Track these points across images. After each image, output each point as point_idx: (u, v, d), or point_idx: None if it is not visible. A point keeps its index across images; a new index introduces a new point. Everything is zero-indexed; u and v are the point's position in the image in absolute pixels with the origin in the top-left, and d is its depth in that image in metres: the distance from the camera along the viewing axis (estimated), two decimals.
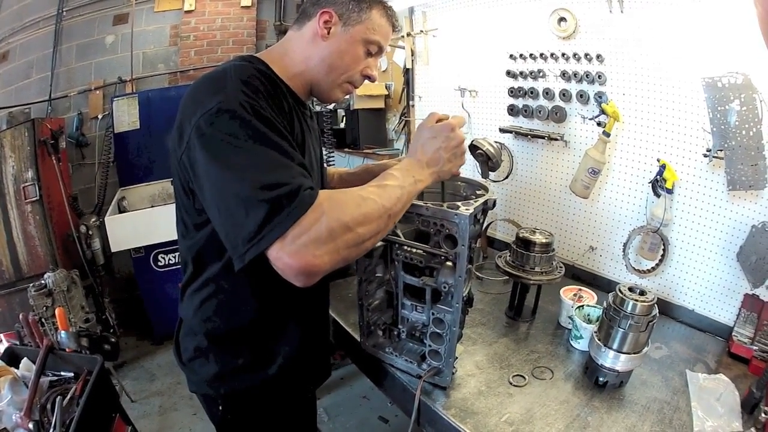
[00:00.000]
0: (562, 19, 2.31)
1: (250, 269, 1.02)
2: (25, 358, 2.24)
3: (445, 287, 1.29)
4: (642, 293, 1.39)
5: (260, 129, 1.06)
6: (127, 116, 4.66)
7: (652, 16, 2.01)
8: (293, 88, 1.41)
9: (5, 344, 2.37)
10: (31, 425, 1.81)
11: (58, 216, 4.42)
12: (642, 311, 1.36)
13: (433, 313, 1.35)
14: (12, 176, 4.21)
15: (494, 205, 1.45)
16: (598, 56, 2.21)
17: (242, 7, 5.71)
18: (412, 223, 1.30)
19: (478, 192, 1.52)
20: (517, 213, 2.74)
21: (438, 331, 1.36)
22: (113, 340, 2.70)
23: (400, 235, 1.35)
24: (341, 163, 4.58)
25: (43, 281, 3.19)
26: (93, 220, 4.20)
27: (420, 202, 1.26)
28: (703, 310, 1.98)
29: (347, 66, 1.43)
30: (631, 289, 1.42)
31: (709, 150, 1.82)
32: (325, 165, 1.66)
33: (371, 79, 1.49)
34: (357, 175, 1.87)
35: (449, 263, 1.28)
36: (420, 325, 1.46)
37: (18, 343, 2.65)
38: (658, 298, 1.54)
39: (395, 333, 1.54)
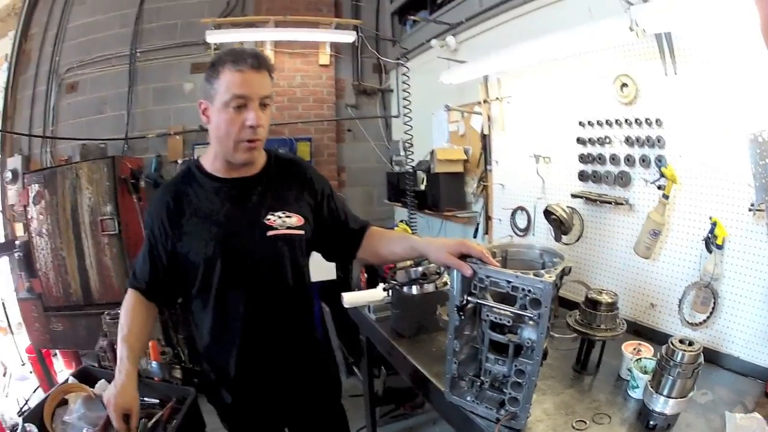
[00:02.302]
0: (624, 85, 2.64)
1: None
2: (103, 380, 2.51)
3: (528, 343, 1.58)
4: (690, 344, 1.65)
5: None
6: None
7: (703, 76, 2.30)
8: (213, 171, 1.94)
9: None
10: None
11: (135, 251, 4.73)
12: (689, 360, 1.62)
13: (515, 365, 1.63)
14: (88, 207, 4.74)
15: (569, 271, 1.74)
16: (657, 120, 2.53)
17: (321, 65, 6.18)
18: (501, 289, 1.61)
19: (555, 260, 1.81)
20: (586, 274, 3.00)
21: (518, 380, 1.63)
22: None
23: (489, 299, 1.66)
24: (422, 223, 5.06)
25: (119, 311, 3.63)
26: None
27: (510, 271, 1.58)
28: (748, 357, 2.20)
29: (227, 131, 1.78)
30: (681, 341, 1.67)
31: (752, 204, 2.07)
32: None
33: (252, 126, 1.77)
34: (389, 239, 2.21)
35: (532, 322, 1.57)
36: (501, 376, 1.73)
37: (96, 365, 3.05)
38: (707, 348, 1.88)
39: (478, 383, 1.82)
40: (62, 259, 4.95)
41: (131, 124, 6.01)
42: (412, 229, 4.92)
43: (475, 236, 4.35)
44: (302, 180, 2.09)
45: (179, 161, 5.94)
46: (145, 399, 2.35)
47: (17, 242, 5.38)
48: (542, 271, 1.58)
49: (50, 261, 5.01)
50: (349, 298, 3.16)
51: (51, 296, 5.07)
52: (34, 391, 5.12)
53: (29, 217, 5.05)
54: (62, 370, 5.61)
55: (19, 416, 3.12)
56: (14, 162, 6.27)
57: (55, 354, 5.68)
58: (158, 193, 2.00)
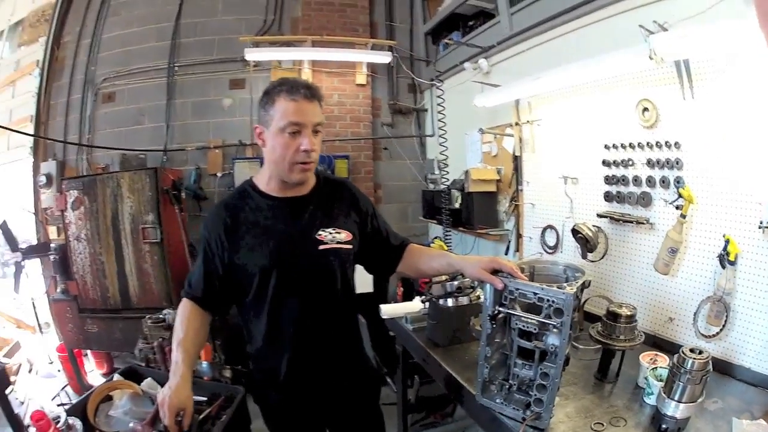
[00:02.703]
0: (645, 110, 2.87)
1: None
2: (150, 378, 2.67)
3: (552, 348, 1.81)
4: (700, 352, 1.85)
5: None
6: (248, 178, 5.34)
7: (717, 100, 2.50)
8: (268, 191, 2.17)
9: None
10: None
11: (175, 260, 5.18)
12: (698, 367, 1.82)
13: (540, 369, 1.86)
14: (129, 215, 5.03)
15: (589, 284, 1.99)
16: (676, 143, 2.74)
17: (357, 84, 6.47)
18: (528, 300, 1.85)
19: (577, 274, 2.04)
20: (610, 289, 3.21)
21: (543, 383, 1.86)
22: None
23: (518, 309, 1.90)
24: (456, 240, 5.34)
25: (161, 315, 3.87)
26: None
27: (536, 284, 1.83)
28: (759, 368, 2.35)
29: (283, 154, 2.01)
30: (691, 350, 1.87)
31: (762, 222, 2.27)
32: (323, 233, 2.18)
33: (307, 151, 2.00)
34: (429, 255, 2.46)
35: (555, 330, 1.79)
36: (527, 380, 1.95)
37: (144, 364, 3.27)
38: (720, 359, 2.19)
39: (506, 387, 2.04)
40: (101, 263, 5.25)
41: (170, 136, 6.35)
42: (447, 245, 5.20)
43: (506, 253, 4.57)
44: (350, 200, 2.33)
45: (218, 174, 6.27)
46: (195, 397, 2.52)
47: (52, 245, 5.61)
48: (565, 284, 1.83)
49: (88, 265, 5.31)
50: (387, 310, 3.40)
51: (87, 299, 5.37)
52: (62, 389, 5.40)
53: (67, 221, 5.33)
54: (92, 370, 5.95)
55: (58, 406, 3.36)
56: (48, 167, 6.56)
57: (86, 354, 5.97)
58: (214, 209, 2.24)
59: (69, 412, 2.19)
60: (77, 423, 2.15)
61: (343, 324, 2.34)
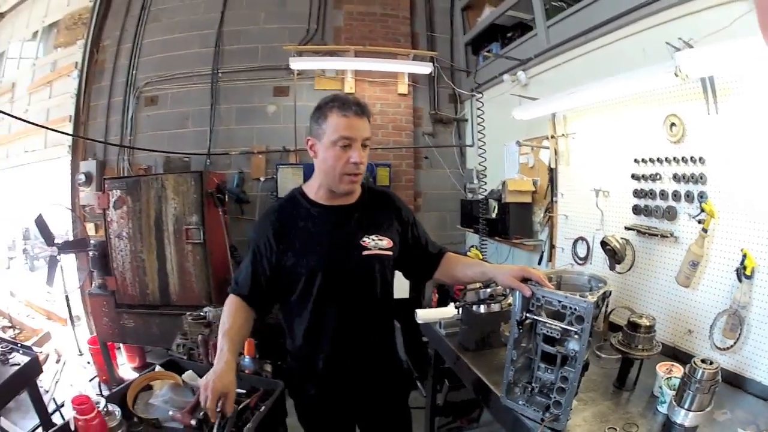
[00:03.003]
0: (672, 125, 3.01)
1: None
2: (191, 370, 2.85)
3: (572, 353, 1.98)
4: (710, 363, 1.98)
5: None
6: (291, 183, 5.79)
7: (740, 115, 2.62)
8: (316, 199, 2.37)
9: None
10: (193, 422, 2.26)
11: (217, 260, 5.48)
12: (708, 377, 1.95)
13: (560, 373, 2.03)
14: (173, 216, 5.32)
15: (610, 294, 2.17)
16: (701, 158, 2.86)
17: (399, 94, 6.71)
18: (553, 307, 2.02)
19: (600, 285, 2.20)
20: (635, 300, 3.33)
21: (563, 386, 2.02)
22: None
23: (544, 315, 2.07)
24: (491, 249, 5.55)
25: (202, 313, 4.08)
26: None
27: (561, 292, 2.01)
28: None
29: (334, 165, 2.21)
30: (703, 360, 1.99)
31: None
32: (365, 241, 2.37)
33: (357, 163, 2.20)
34: (464, 264, 2.64)
35: (576, 336, 1.96)
36: (549, 383, 2.12)
37: (185, 357, 3.47)
38: (733, 372, 2.36)
39: (529, 389, 2.21)
40: (141, 261, 5.55)
41: (213, 141, 6.65)
42: (482, 254, 5.38)
43: (539, 263, 4.74)
44: (393, 209, 2.54)
45: (261, 179, 6.57)
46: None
47: (92, 241, 5.94)
48: (587, 293, 2.00)
49: (128, 262, 5.61)
50: (422, 314, 3.49)
51: (125, 294, 5.68)
52: (91, 380, 5.73)
53: (108, 219, 5.64)
54: (124, 363, 6.28)
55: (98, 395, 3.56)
56: (88, 166, 6.93)
57: (119, 348, 6.28)
58: (265, 214, 2.48)
59: (108, 399, 2.33)
60: (116, 410, 2.28)
61: (380, 325, 2.55)
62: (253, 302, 2.35)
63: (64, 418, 4.23)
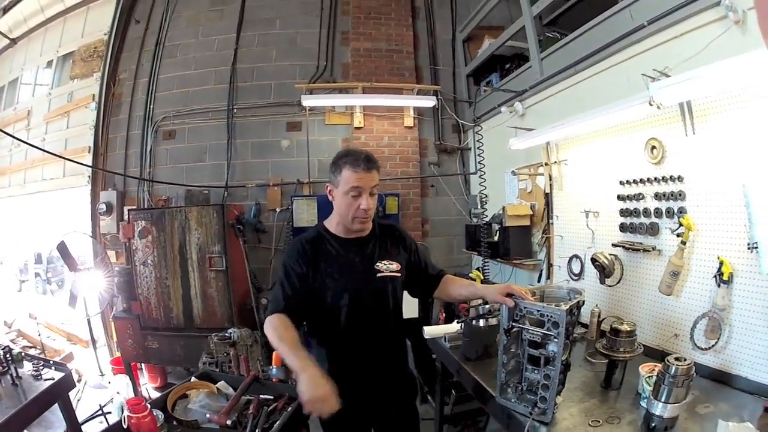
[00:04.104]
0: (653, 148, 3.33)
1: None
2: (223, 381, 3.23)
3: (552, 354, 2.33)
4: (684, 360, 2.24)
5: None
6: (306, 213, 6.21)
7: (714, 133, 2.89)
8: (337, 233, 2.80)
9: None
10: (229, 422, 2.65)
11: (238, 286, 5.90)
12: (681, 372, 2.22)
13: (544, 371, 2.37)
14: (196, 245, 5.72)
15: (583, 303, 2.55)
16: (679, 177, 3.17)
17: (406, 126, 7.07)
18: (534, 316, 2.38)
19: (576, 296, 2.56)
20: (625, 310, 3.64)
21: (546, 383, 2.37)
22: None
23: (527, 323, 2.42)
24: (495, 270, 5.94)
25: (227, 334, 4.44)
26: None
27: (538, 303, 2.41)
28: (754, 377, 2.65)
29: (346, 211, 2.67)
30: (677, 358, 2.26)
31: (749, 243, 2.64)
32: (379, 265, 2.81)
33: (365, 209, 2.63)
34: (459, 284, 3.06)
35: (555, 339, 2.30)
36: (536, 382, 2.45)
37: (218, 369, 3.85)
38: (720, 370, 2.75)
39: (519, 388, 2.56)
40: (166, 287, 5.96)
41: (231, 173, 7.02)
42: (484, 275, 5.76)
43: (539, 281, 5.08)
44: (399, 239, 3.00)
45: (277, 209, 6.95)
46: (260, 396, 2.97)
47: (116, 268, 6.28)
48: (561, 303, 2.38)
49: (153, 287, 6.02)
50: (429, 331, 3.96)
51: (150, 318, 6.08)
52: (111, 400, 5.77)
53: (134, 248, 6.07)
54: (145, 383, 6.58)
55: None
56: (108, 196, 7.30)
57: (140, 368, 6.61)
58: (294, 242, 2.88)
59: (151, 405, 2.63)
60: (159, 413, 2.63)
61: (393, 335, 2.96)
62: (291, 314, 2.67)
63: None
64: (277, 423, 2.65)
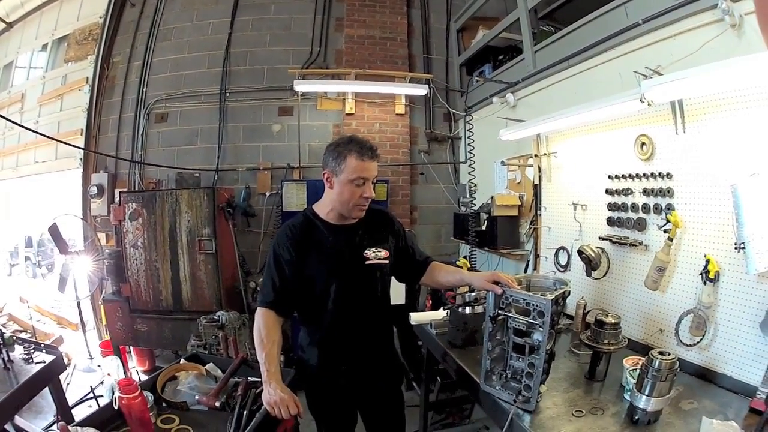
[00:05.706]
0: (643, 144, 3.34)
1: None
2: (212, 363, 3.23)
3: (537, 343, 2.34)
4: (668, 354, 2.26)
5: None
6: (295, 198, 6.13)
7: (703, 132, 2.92)
8: (327, 219, 2.78)
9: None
10: (218, 404, 2.67)
11: (227, 269, 5.91)
12: (664, 366, 2.23)
13: (528, 360, 2.39)
14: (186, 228, 5.73)
15: (569, 294, 2.56)
16: (668, 174, 3.18)
17: (397, 114, 7.08)
18: (520, 305, 2.40)
19: (561, 286, 2.58)
20: (611, 303, 3.67)
21: (530, 371, 2.39)
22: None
23: (513, 312, 2.44)
24: (482, 259, 5.93)
25: (215, 317, 4.45)
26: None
27: (525, 292, 2.42)
28: (739, 376, 2.66)
29: (348, 199, 2.67)
30: (660, 353, 2.28)
31: (736, 243, 2.65)
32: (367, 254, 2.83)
33: (367, 198, 2.68)
34: (446, 271, 3.11)
35: (540, 328, 2.32)
36: (520, 371, 2.48)
37: (206, 352, 3.92)
38: (704, 367, 2.77)
39: (503, 376, 2.57)
40: (155, 269, 5.96)
41: (221, 157, 7.04)
42: (471, 264, 5.73)
43: (525, 271, 5.08)
44: (388, 225, 3.01)
45: (267, 193, 6.98)
46: (248, 378, 2.93)
47: (106, 251, 6.31)
48: (547, 293, 2.39)
49: (143, 270, 6.02)
50: (416, 317, 3.93)
51: (139, 300, 6.09)
52: (101, 383, 5.80)
53: (124, 230, 6.05)
54: (134, 366, 6.63)
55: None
56: (99, 178, 7.31)
57: (129, 352, 6.64)
58: (283, 229, 2.87)
59: (140, 387, 2.59)
60: (149, 395, 2.62)
61: (380, 320, 3.00)
62: (280, 308, 2.75)
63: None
64: (264, 407, 2.68)
